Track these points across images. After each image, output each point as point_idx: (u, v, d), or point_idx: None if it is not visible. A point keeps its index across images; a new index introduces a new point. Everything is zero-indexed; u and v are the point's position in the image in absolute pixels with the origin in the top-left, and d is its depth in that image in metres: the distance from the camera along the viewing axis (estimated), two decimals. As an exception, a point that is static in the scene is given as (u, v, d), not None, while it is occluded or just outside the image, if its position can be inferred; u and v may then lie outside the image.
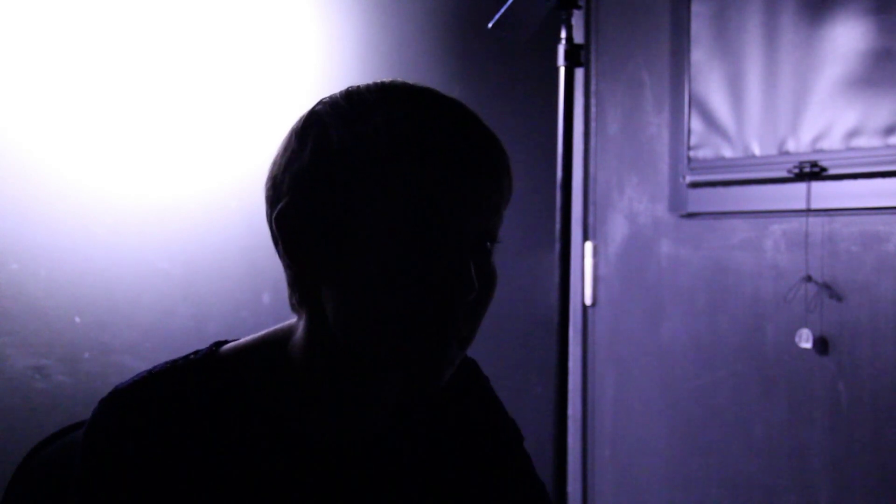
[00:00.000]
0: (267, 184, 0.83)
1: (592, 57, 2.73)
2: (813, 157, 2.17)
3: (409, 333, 0.77)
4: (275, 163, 0.83)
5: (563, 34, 2.04)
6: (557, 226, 2.07)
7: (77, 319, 1.94)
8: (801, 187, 2.19)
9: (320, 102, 0.83)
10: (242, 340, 0.87)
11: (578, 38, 2.45)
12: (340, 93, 0.83)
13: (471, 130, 0.81)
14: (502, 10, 2.00)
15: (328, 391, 0.83)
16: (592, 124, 2.74)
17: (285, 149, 0.82)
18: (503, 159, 0.82)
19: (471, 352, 1.03)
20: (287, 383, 0.83)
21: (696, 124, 2.44)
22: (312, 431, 0.84)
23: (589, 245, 2.72)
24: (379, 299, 0.76)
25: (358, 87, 0.83)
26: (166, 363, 0.84)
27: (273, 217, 0.81)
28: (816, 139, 2.18)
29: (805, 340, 2.18)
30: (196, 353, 0.85)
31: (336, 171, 0.78)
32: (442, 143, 0.78)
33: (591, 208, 2.74)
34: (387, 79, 0.84)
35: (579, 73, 2.70)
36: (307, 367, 0.83)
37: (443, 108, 0.81)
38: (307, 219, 0.79)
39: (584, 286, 2.72)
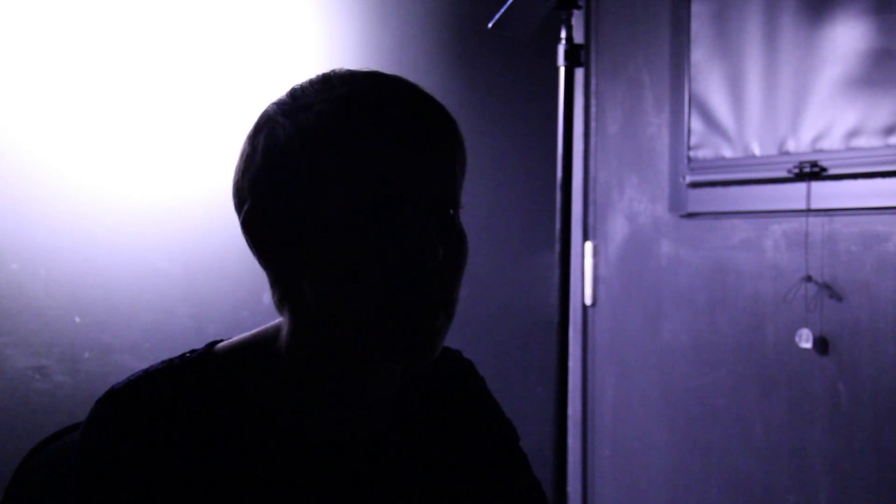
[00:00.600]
0: (232, 192, 0.85)
1: (592, 57, 2.73)
2: (813, 157, 2.17)
3: (390, 309, 0.78)
4: (236, 170, 0.85)
5: (563, 34, 2.04)
6: (557, 226, 2.07)
7: (77, 319, 1.94)
8: (801, 187, 2.19)
9: (269, 104, 0.85)
10: (236, 338, 0.88)
11: (578, 38, 2.45)
12: (287, 91, 0.85)
13: (412, 100, 0.81)
14: (502, 10, 2.00)
15: (318, 387, 0.84)
16: (592, 124, 2.74)
17: (242, 155, 0.84)
18: (448, 124, 0.82)
19: (470, 352, 1.03)
20: (278, 381, 0.84)
21: (696, 124, 2.44)
22: (306, 428, 0.84)
23: (589, 245, 2.72)
24: (353, 282, 0.77)
25: (300, 83, 0.84)
26: (162, 362, 0.84)
27: (241, 223, 0.83)
28: (816, 139, 2.18)
29: (805, 340, 2.18)
30: (192, 352, 0.86)
31: (287, 166, 0.80)
32: (382, 116, 0.79)
33: (591, 208, 2.74)
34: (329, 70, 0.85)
35: (579, 73, 2.70)
36: (296, 364, 0.84)
37: (381, 84, 0.82)
38: (271, 218, 0.81)
39: (584, 286, 2.71)
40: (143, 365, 0.85)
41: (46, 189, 1.91)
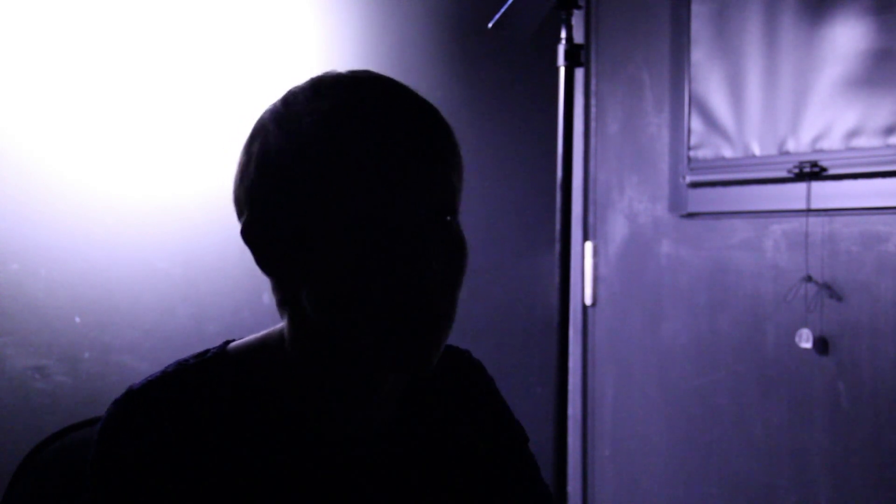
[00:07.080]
0: (233, 200, 0.85)
1: (592, 57, 2.73)
2: (813, 157, 2.17)
3: (389, 319, 0.77)
4: (234, 180, 0.85)
5: (563, 34, 2.04)
6: (557, 226, 2.07)
7: (77, 319, 1.94)
8: (801, 187, 2.19)
9: (266, 110, 0.84)
10: (248, 338, 0.88)
11: (578, 38, 2.45)
12: (282, 96, 0.84)
13: (404, 107, 0.80)
14: (502, 10, 2.00)
15: (322, 389, 0.84)
16: (592, 124, 2.74)
17: (238, 164, 0.84)
18: (442, 132, 0.81)
19: (471, 351, 1.03)
20: (285, 382, 0.84)
21: (696, 124, 2.44)
22: (312, 428, 0.84)
23: (589, 245, 2.72)
24: (351, 292, 0.77)
25: (295, 87, 0.83)
26: (178, 363, 0.84)
27: (240, 231, 0.84)
28: (816, 139, 2.18)
29: (805, 340, 2.18)
30: (207, 351, 0.86)
31: (281, 177, 0.79)
32: (371, 127, 0.78)
33: (591, 208, 2.74)
34: (323, 72, 0.84)
35: (579, 73, 2.70)
36: (299, 367, 0.84)
37: (372, 90, 0.81)
38: (268, 229, 0.81)
39: (584, 286, 2.72)
40: (144, 365, 0.85)
41: (46, 189, 1.91)
